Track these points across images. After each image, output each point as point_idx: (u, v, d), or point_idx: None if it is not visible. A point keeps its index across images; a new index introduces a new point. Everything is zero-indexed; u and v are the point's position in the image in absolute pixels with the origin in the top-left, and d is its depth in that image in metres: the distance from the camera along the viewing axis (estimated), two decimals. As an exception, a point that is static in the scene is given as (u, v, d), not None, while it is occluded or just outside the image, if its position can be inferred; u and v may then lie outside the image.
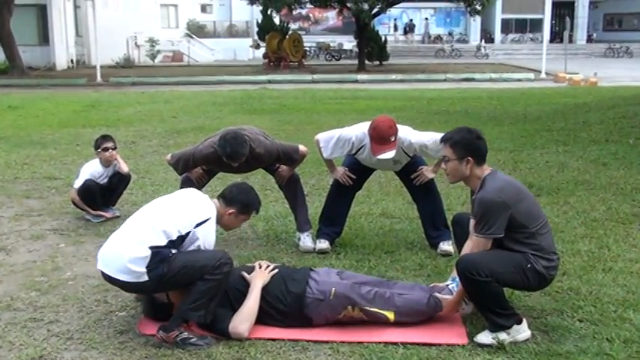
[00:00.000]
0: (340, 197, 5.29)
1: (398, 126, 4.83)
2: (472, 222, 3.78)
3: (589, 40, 44.43)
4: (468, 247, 3.79)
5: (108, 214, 6.11)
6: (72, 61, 31.98)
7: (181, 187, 4.84)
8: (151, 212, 3.83)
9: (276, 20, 33.90)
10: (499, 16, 44.36)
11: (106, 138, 6.27)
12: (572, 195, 6.75)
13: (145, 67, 31.14)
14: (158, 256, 3.59)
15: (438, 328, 3.79)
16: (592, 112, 12.28)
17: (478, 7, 28.47)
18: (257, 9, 33.55)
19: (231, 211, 3.90)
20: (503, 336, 3.58)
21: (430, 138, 4.91)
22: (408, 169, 5.14)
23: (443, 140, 3.79)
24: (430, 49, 40.49)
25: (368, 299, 3.80)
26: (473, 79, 24.39)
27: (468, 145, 3.66)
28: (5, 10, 25.29)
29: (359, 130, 4.95)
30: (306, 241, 5.22)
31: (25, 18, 29.08)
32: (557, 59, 29.46)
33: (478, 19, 37.56)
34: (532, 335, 3.66)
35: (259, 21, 34.32)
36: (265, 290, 3.82)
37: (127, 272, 3.60)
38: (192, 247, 3.71)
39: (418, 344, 3.60)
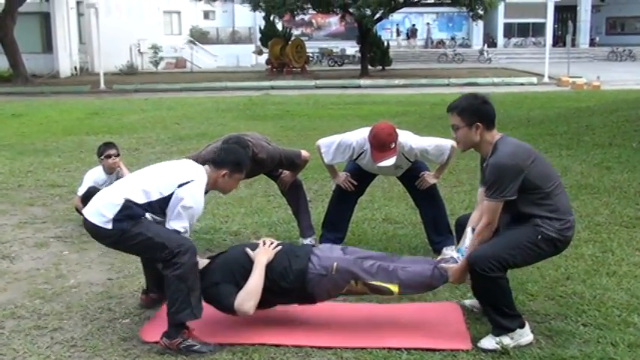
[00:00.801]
0: (343, 203, 5.29)
1: (398, 131, 4.83)
2: (480, 190, 3.77)
3: (592, 43, 44.39)
4: (476, 215, 3.77)
5: (111, 221, 6.11)
6: (75, 68, 32.11)
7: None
8: (138, 174, 3.91)
9: (279, 26, 34.00)
10: (501, 20, 44.36)
11: (109, 145, 6.29)
12: (576, 199, 6.74)
13: (148, 74, 31.23)
14: (128, 210, 3.64)
15: (442, 333, 3.79)
16: (595, 116, 12.27)
17: (480, 12, 28.49)
18: (260, 15, 33.70)
19: (223, 172, 3.88)
20: (506, 340, 3.57)
21: (431, 143, 4.91)
22: (411, 174, 5.14)
23: (450, 109, 3.73)
24: (433, 54, 40.51)
25: (371, 273, 3.78)
26: (476, 84, 24.38)
27: (475, 111, 3.62)
28: (9, 18, 25.41)
29: (359, 136, 4.95)
30: (309, 246, 5.21)
31: (29, 26, 29.23)
32: (559, 63, 29.47)
33: (480, 23, 37.53)
34: (536, 340, 3.65)
35: (262, 27, 34.39)
36: (269, 267, 3.81)
37: (97, 214, 3.67)
38: (178, 209, 3.66)
39: (422, 350, 3.59)
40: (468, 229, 3.77)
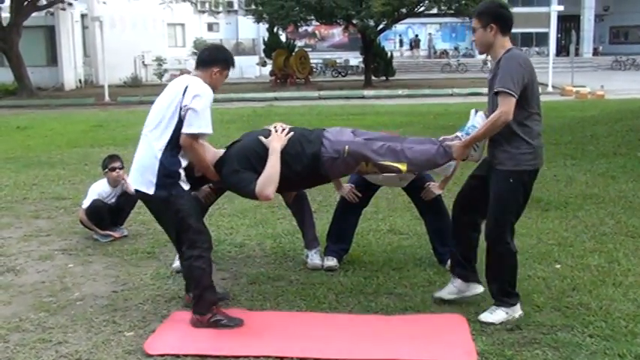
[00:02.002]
0: (347, 214, 5.28)
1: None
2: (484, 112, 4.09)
3: (595, 53, 44.39)
4: (482, 116, 4.07)
5: (116, 234, 6.12)
6: (80, 81, 32.25)
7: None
8: (146, 124, 4.13)
9: (283, 37, 34.12)
10: (504, 30, 44.41)
11: (113, 158, 6.30)
12: (581, 209, 6.72)
13: (153, 86, 31.24)
14: (165, 169, 3.93)
15: (448, 345, 3.77)
16: (599, 125, 12.25)
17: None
18: (263, 27, 33.80)
19: (215, 70, 4.11)
20: (503, 316, 4.03)
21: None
22: (415, 185, 5.13)
23: (473, 14, 4.11)
24: (436, 64, 40.58)
25: (380, 153, 4.02)
26: (479, 94, 24.23)
27: (491, 13, 3.98)
28: (14, 31, 25.55)
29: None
30: (314, 258, 5.20)
31: (34, 39, 29.39)
32: (563, 72, 29.45)
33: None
34: (542, 351, 3.65)
35: (265, 38, 34.53)
36: (283, 153, 4.00)
37: (144, 182, 4.00)
38: (189, 113, 3.91)
39: (427, 362, 3.58)
40: (472, 111, 4.14)
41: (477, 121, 4.04)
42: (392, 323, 4.10)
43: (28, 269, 5.33)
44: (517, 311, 4.09)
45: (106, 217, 6.10)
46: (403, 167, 4.03)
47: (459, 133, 4.10)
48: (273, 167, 3.94)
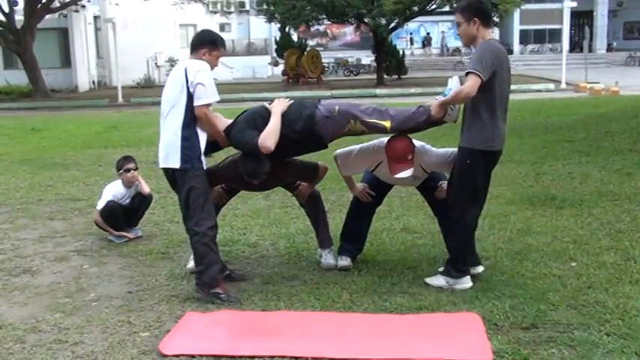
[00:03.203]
0: (361, 213, 5.27)
1: (415, 142, 4.81)
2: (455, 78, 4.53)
3: (609, 49, 44.05)
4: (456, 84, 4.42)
5: (130, 235, 6.15)
6: (93, 82, 32.45)
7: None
8: (162, 106, 4.62)
9: (294, 37, 34.13)
10: (517, 27, 44.20)
11: (127, 159, 6.32)
12: (596, 206, 6.67)
13: (166, 87, 31.42)
14: (186, 144, 4.37)
15: (463, 344, 3.75)
16: (614, 122, 12.14)
17: (496, 19, 28.36)
18: (275, 27, 33.86)
19: (203, 51, 4.56)
20: (442, 282, 4.59)
21: (451, 154, 4.88)
22: (428, 184, 5.11)
23: (455, 10, 4.59)
24: (449, 62, 40.43)
25: (367, 113, 4.61)
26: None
27: (473, 9, 4.40)
28: (28, 34, 25.74)
29: (377, 147, 4.93)
30: (327, 257, 5.20)
31: (48, 41, 29.60)
32: (577, 69, 29.27)
33: (496, 30, 37.42)
34: (558, 350, 3.62)
35: (277, 38, 34.57)
36: (284, 115, 4.58)
37: (168, 159, 4.42)
38: (197, 87, 4.33)
39: (443, 361, 3.57)
40: (450, 78, 4.57)
41: (453, 84, 4.45)
42: (406, 322, 4.09)
43: (43, 270, 5.37)
44: (462, 284, 4.54)
45: (121, 218, 6.13)
46: (387, 124, 4.55)
47: (438, 97, 4.57)
48: (273, 124, 4.51)
